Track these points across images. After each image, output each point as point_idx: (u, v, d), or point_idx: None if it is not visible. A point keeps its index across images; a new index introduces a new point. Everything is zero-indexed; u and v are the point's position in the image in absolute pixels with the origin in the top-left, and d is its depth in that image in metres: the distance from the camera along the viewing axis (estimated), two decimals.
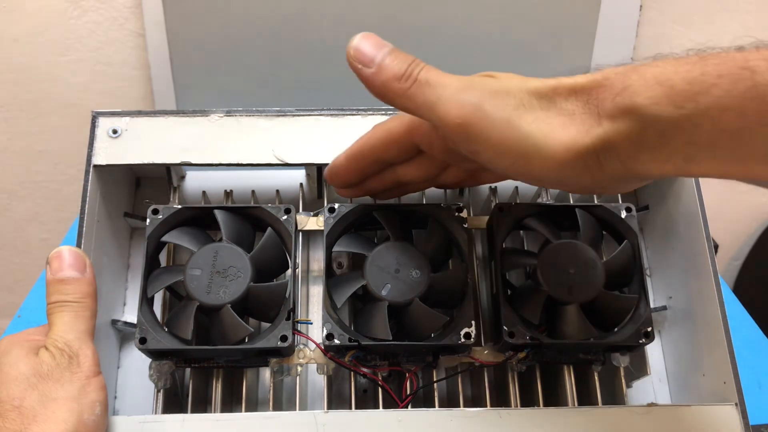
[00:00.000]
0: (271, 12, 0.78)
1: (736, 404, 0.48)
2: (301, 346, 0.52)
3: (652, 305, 0.56)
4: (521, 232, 0.58)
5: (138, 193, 0.62)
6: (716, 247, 1.13)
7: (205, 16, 0.78)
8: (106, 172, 0.54)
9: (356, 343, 0.48)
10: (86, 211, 0.51)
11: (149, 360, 0.51)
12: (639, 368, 0.55)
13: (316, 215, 0.55)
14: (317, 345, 0.51)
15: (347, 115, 0.55)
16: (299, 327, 0.51)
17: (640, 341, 0.49)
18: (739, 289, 1.22)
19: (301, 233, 0.55)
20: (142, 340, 0.48)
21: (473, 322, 0.48)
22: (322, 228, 0.52)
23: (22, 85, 1.04)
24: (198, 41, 0.79)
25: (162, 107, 1.04)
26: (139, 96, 1.06)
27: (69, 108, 1.06)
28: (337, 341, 0.48)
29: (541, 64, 0.82)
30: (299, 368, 0.52)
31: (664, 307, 0.59)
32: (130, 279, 0.61)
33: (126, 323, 0.57)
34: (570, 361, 0.52)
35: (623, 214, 0.53)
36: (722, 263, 1.21)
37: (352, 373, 0.52)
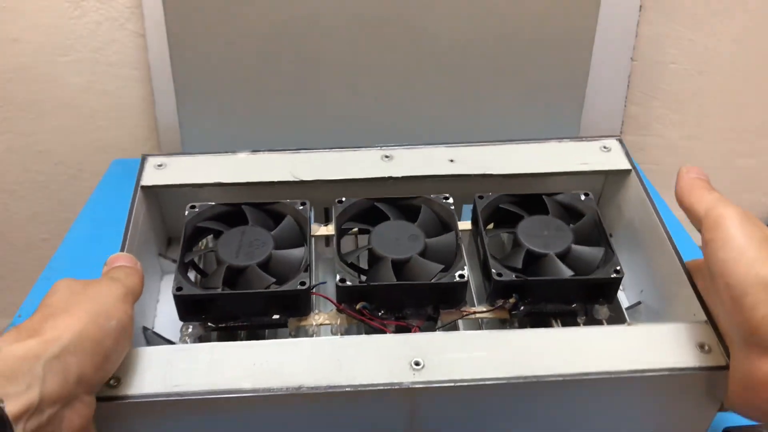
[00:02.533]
0: (272, 12, 0.78)
1: (706, 322, 0.50)
2: (317, 311, 0.56)
3: (626, 304, 0.61)
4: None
5: (168, 251, 0.68)
6: None
7: (206, 16, 0.78)
8: (150, 195, 0.63)
9: (366, 284, 0.54)
10: (130, 226, 0.58)
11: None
12: (618, 322, 0.58)
13: (326, 225, 0.61)
14: (330, 300, 0.56)
15: (347, 149, 0.64)
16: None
17: (612, 276, 0.54)
18: None
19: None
20: (179, 289, 0.53)
21: (465, 267, 0.54)
22: (332, 233, 0.58)
23: (22, 85, 1.04)
24: (198, 41, 0.79)
25: (162, 107, 1.04)
26: (140, 96, 1.06)
27: (69, 108, 1.06)
28: (348, 283, 0.53)
29: (541, 64, 0.82)
30: (315, 328, 0.55)
31: (639, 303, 0.61)
32: (162, 288, 0.65)
33: (155, 333, 0.59)
34: (555, 312, 0.56)
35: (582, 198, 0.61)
36: None
37: (362, 327, 0.56)
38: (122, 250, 0.57)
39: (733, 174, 1.14)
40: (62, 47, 1.01)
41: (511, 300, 0.55)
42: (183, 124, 0.84)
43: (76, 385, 0.41)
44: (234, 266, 0.55)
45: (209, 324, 0.55)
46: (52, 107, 1.06)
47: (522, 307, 0.55)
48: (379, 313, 0.55)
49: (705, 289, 0.51)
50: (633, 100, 1.09)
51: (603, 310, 0.58)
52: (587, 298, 0.57)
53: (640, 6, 1.01)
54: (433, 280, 0.54)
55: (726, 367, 0.47)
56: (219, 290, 0.53)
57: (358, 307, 0.54)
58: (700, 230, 0.47)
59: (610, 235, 0.59)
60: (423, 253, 0.56)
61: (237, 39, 0.80)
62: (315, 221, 0.63)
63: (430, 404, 0.47)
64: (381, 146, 0.62)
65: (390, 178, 0.61)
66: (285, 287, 0.53)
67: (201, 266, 0.60)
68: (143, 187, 0.62)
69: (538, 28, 0.80)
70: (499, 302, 0.55)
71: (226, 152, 0.63)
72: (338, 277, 0.54)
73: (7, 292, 1.24)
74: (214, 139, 0.85)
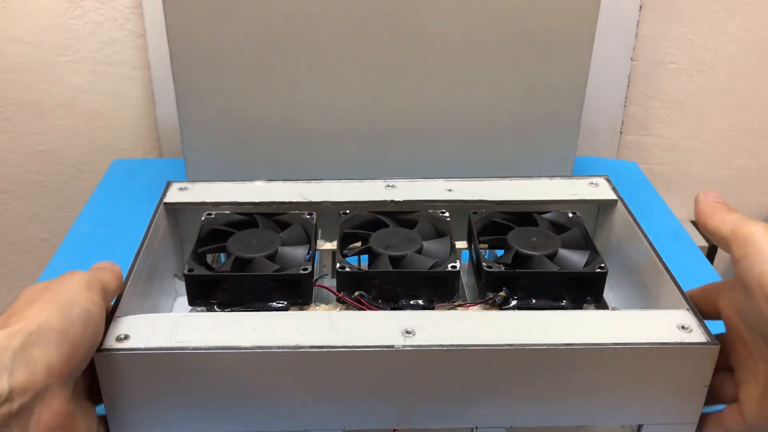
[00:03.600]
0: (272, 11, 0.78)
1: (687, 309, 0.52)
2: (317, 303, 0.59)
3: None
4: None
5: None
6: (715, 247, 1.13)
7: (206, 16, 0.78)
8: (171, 211, 0.67)
9: (364, 271, 0.57)
10: (147, 240, 0.60)
11: None
12: None
13: (331, 242, 0.65)
14: (329, 289, 0.58)
15: (353, 180, 0.70)
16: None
17: (596, 270, 0.57)
18: None
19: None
20: (190, 270, 0.56)
21: (458, 261, 0.58)
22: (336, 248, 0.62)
23: (22, 85, 1.04)
24: (198, 41, 0.79)
25: (162, 107, 1.04)
26: (140, 96, 1.06)
27: (69, 108, 1.06)
28: (347, 269, 0.57)
29: (540, 64, 0.82)
30: None
31: None
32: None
33: None
34: (545, 308, 0.58)
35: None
36: (721, 263, 1.22)
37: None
38: (135, 262, 0.58)
39: (733, 174, 1.14)
40: (62, 47, 1.01)
41: (502, 294, 0.57)
42: (183, 124, 0.84)
43: (46, 376, 0.41)
44: (242, 257, 0.58)
45: (215, 309, 0.57)
46: (52, 107, 1.06)
47: (512, 303, 0.57)
48: (377, 303, 0.57)
49: (733, 307, 0.51)
50: (633, 100, 1.09)
51: (590, 308, 0.59)
52: (575, 296, 0.58)
53: (640, 6, 1.01)
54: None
55: (706, 344, 0.49)
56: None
57: (355, 294, 0.56)
58: (727, 250, 0.48)
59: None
60: (419, 252, 0.59)
61: (237, 39, 0.80)
62: (320, 238, 0.66)
63: (420, 370, 0.50)
64: (385, 179, 0.70)
65: (392, 201, 0.67)
66: (289, 271, 0.57)
67: (213, 266, 0.62)
68: (166, 204, 0.66)
69: (538, 27, 0.80)
70: (490, 295, 0.57)
71: (243, 180, 0.70)
72: (338, 265, 0.57)
73: (7, 292, 1.24)
74: (214, 139, 0.85)
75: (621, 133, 1.11)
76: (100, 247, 0.81)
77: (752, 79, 1.06)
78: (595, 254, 0.59)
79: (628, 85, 1.07)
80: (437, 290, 0.58)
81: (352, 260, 0.60)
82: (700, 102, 1.08)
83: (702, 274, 0.76)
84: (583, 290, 0.58)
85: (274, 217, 0.64)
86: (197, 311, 0.57)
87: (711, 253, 1.12)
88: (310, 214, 0.64)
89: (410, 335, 0.49)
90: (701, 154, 1.12)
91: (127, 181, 0.96)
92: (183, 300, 0.64)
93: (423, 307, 0.57)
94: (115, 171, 1.00)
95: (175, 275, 0.68)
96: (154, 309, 0.60)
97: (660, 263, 0.58)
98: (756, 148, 1.12)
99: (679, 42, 1.04)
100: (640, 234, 0.62)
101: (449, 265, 0.57)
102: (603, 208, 0.69)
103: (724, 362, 0.51)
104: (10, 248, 1.19)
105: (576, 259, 0.59)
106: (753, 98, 1.08)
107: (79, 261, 0.77)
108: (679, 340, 0.49)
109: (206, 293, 0.57)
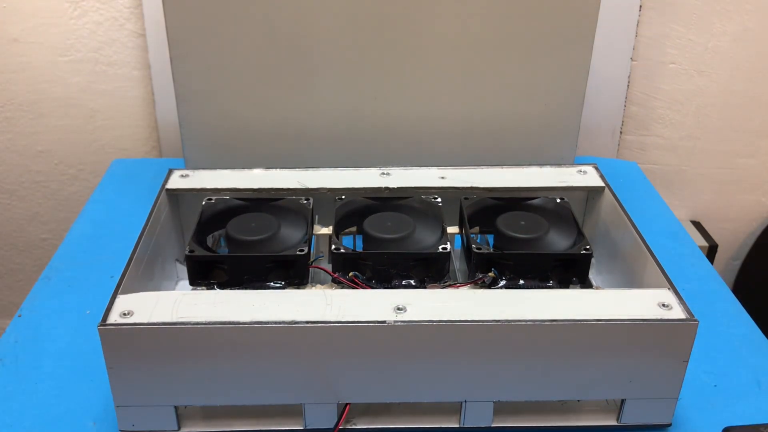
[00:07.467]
0: (272, 11, 0.78)
1: (668, 288, 0.54)
2: (312, 284, 0.61)
3: None
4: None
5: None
6: (715, 247, 1.13)
7: (206, 16, 0.78)
8: (172, 197, 0.69)
9: (358, 252, 0.60)
10: (148, 225, 0.62)
11: None
12: None
13: (328, 227, 0.66)
14: (325, 270, 0.61)
15: (350, 168, 0.72)
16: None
17: (582, 252, 0.60)
18: (738, 289, 1.22)
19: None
20: (191, 251, 0.59)
21: (448, 243, 0.60)
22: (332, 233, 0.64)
23: (22, 85, 1.04)
24: (198, 41, 0.79)
25: (162, 107, 1.04)
26: (139, 96, 1.06)
27: (69, 108, 1.06)
28: (342, 250, 0.59)
29: (540, 65, 0.82)
30: None
31: None
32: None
33: None
34: (532, 288, 0.60)
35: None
36: (721, 263, 1.22)
37: None
38: (136, 249, 0.59)
39: (733, 174, 1.14)
40: (62, 47, 1.01)
41: (490, 274, 0.59)
42: (183, 124, 0.84)
43: None
44: (241, 239, 0.61)
45: (215, 289, 0.59)
46: (52, 107, 1.06)
47: (501, 283, 0.59)
48: (371, 283, 0.59)
49: None
50: (633, 100, 1.09)
51: (576, 288, 0.61)
52: (561, 277, 0.60)
53: (640, 6, 1.01)
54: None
55: (685, 320, 0.50)
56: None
57: (350, 275, 0.59)
58: None
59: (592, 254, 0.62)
60: (411, 235, 0.62)
61: (237, 39, 0.80)
62: (317, 224, 0.67)
63: (411, 344, 0.51)
64: (380, 167, 0.72)
65: (386, 188, 0.69)
66: (286, 252, 0.60)
67: (213, 249, 0.64)
68: (167, 190, 0.68)
69: (538, 28, 0.80)
70: (479, 275, 0.59)
71: (243, 168, 0.71)
72: (333, 247, 0.60)
73: (7, 292, 1.24)
74: (214, 139, 0.85)
75: (621, 133, 1.11)
76: (100, 247, 0.81)
77: (752, 79, 1.06)
78: (580, 237, 0.62)
79: (628, 85, 1.07)
80: (428, 271, 0.60)
81: (348, 244, 0.62)
82: (700, 102, 1.08)
83: (702, 274, 0.76)
84: (569, 271, 0.60)
85: (271, 203, 0.67)
86: (197, 291, 0.59)
87: (711, 253, 1.12)
88: (307, 200, 0.67)
89: (401, 311, 0.51)
90: (701, 154, 1.12)
91: (127, 181, 0.96)
92: (184, 284, 0.66)
93: (415, 287, 0.59)
94: (115, 171, 1.00)
95: (177, 260, 0.69)
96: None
97: (644, 245, 0.60)
98: (756, 148, 1.12)
99: (679, 42, 1.04)
100: (626, 219, 0.64)
101: (440, 247, 0.60)
102: (591, 194, 0.71)
103: None
104: (10, 248, 1.19)
105: (562, 241, 0.62)
106: (753, 98, 1.08)
107: (79, 261, 0.78)
108: (659, 317, 0.51)
109: (206, 274, 0.60)
